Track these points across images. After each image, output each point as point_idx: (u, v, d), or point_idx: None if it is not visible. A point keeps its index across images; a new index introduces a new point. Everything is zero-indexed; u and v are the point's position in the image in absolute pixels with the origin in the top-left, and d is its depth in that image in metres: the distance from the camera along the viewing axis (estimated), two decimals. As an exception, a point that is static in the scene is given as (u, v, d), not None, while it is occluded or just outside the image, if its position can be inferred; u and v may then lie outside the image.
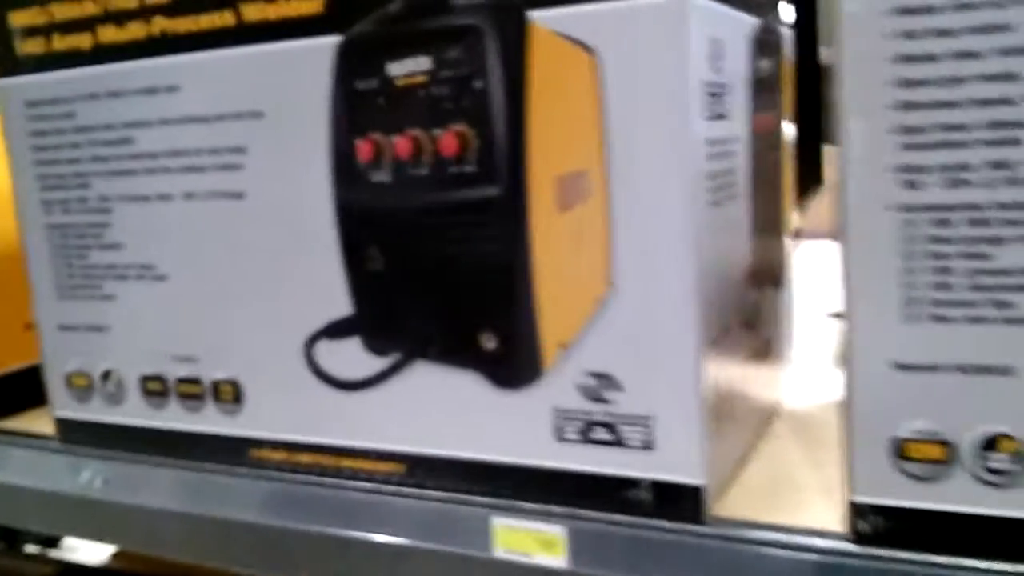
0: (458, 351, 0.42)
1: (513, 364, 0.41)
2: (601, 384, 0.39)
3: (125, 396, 0.53)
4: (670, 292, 0.37)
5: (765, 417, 0.50)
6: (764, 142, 0.47)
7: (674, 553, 0.39)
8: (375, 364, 0.45)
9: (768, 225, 0.48)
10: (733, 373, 0.43)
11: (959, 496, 0.35)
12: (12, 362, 0.63)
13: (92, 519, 0.55)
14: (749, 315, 0.45)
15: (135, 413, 0.53)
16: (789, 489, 0.43)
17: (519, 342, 0.40)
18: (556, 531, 0.42)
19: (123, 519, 0.53)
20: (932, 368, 0.34)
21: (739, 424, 0.44)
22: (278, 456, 0.49)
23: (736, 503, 0.41)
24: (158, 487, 0.51)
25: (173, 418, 0.51)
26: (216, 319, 0.49)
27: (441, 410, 0.43)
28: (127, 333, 0.52)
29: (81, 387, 0.54)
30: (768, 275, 0.49)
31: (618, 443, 0.40)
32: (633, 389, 0.39)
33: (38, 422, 0.59)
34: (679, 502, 0.39)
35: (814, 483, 0.43)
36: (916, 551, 0.36)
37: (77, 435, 0.55)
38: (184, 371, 0.50)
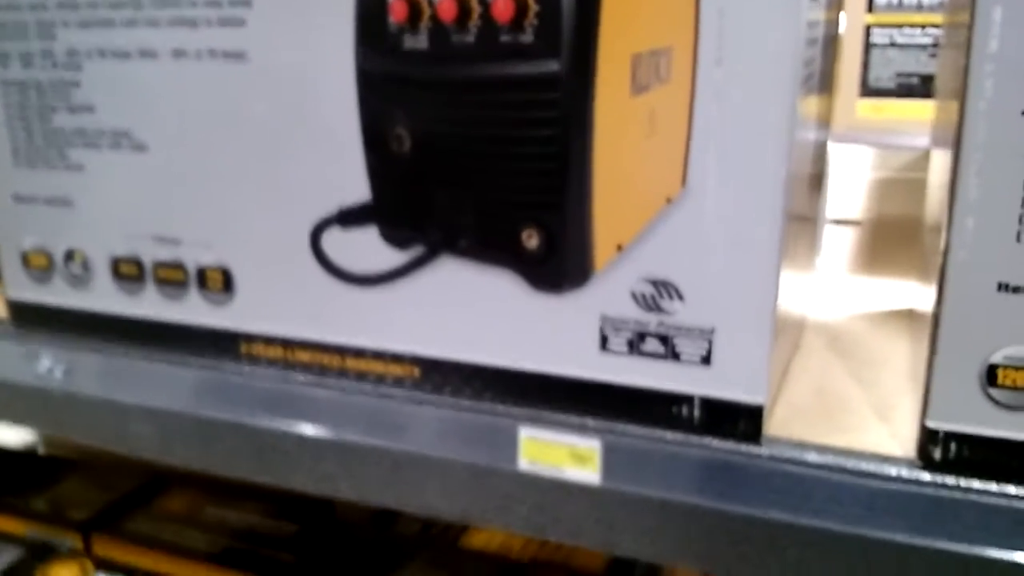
0: (493, 247, 0.38)
1: (559, 264, 0.37)
2: (659, 292, 0.35)
3: (92, 279, 0.47)
4: (756, 196, 0.33)
5: (799, 329, 0.47)
6: (831, 30, 0.42)
7: (726, 474, 0.36)
8: (392, 258, 0.40)
9: (822, 123, 0.44)
10: (789, 283, 0.39)
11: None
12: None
13: (51, 412, 0.49)
14: (806, 215, 0.42)
15: (104, 298, 0.47)
16: (839, 409, 0.40)
17: (568, 239, 0.36)
18: (590, 444, 0.38)
19: (88, 414, 0.48)
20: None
21: (786, 337, 0.41)
22: (273, 352, 0.44)
23: (785, 423, 0.38)
24: (130, 381, 0.46)
25: (150, 306, 0.46)
26: (204, 198, 0.43)
27: (466, 311, 0.39)
28: (96, 208, 0.46)
29: (40, 267, 0.48)
30: (818, 178, 0.45)
31: (671, 356, 0.36)
32: (696, 299, 0.35)
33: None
34: (735, 421, 0.36)
35: (864, 403, 0.41)
36: (992, 481, 0.33)
37: (34, 319, 0.49)
38: (164, 254, 0.45)
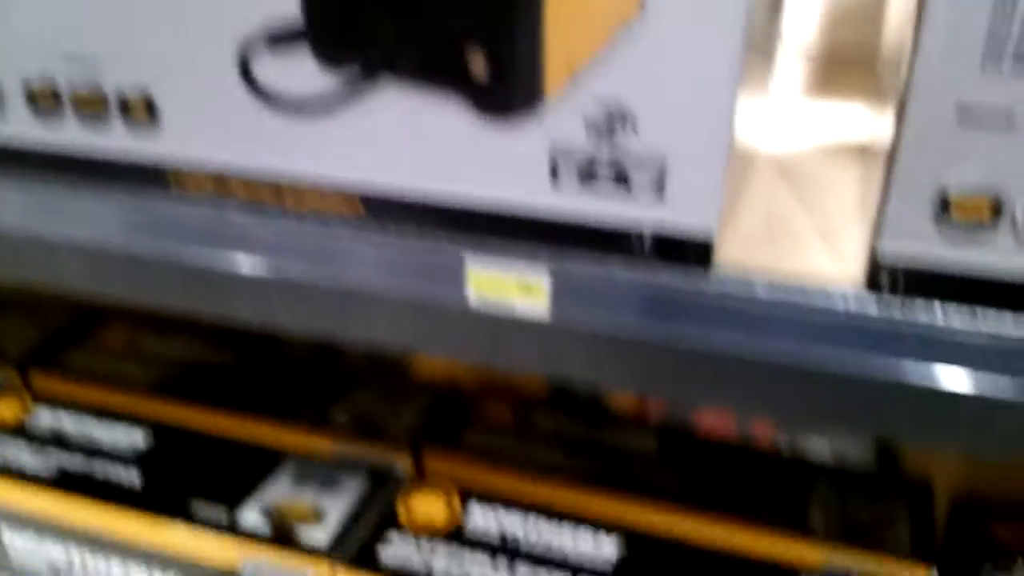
0: (437, 69, 0.35)
1: (507, 87, 0.35)
2: (613, 118, 0.34)
3: (6, 107, 0.44)
4: (716, 18, 0.31)
5: (750, 158, 0.46)
6: None
7: (675, 304, 0.36)
8: (327, 81, 0.37)
9: (783, -63, 0.42)
10: (743, 111, 0.38)
11: (998, 256, 0.33)
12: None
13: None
14: (761, 43, 0.40)
15: (21, 128, 0.44)
16: (787, 237, 0.40)
17: (517, 60, 0.34)
18: (538, 277, 0.38)
19: (14, 250, 0.46)
20: (1004, 119, 0.31)
21: (737, 166, 0.40)
22: (206, 185, 0.42)
23: (734, 252, 0.38)
24: (56, 215, 0.44)
25: (70, 136, 0.43)
26: (119, 14, 0.39)
27: (409, 140, 0.37)
28: (1, 26, 0.42)
29: None
30: (776, 1, 0.43)
31: (623, 186, 0.35)
32: (649, 126, 0.34)
33: None
34: (684, 251, 0.36)
35: (812, 230, 0.40)
36: (935, 305, 0.34)
37: None
38: (80, 75, 0.41)
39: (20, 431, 0.67)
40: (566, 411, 0.67)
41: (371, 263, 0.40)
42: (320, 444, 0.66)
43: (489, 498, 0.59)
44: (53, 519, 0.61)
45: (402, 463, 0.64)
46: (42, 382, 0.73)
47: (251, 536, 0.57)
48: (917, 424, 0.35)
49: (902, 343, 0.34)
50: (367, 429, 0.67)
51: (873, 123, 0.45)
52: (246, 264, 0.41)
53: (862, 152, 0.49)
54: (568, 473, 0.60)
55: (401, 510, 0.59)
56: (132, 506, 0.60)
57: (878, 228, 0.34)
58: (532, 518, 0.57)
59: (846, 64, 0.66)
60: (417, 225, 0.39)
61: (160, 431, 0.67)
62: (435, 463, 0.63)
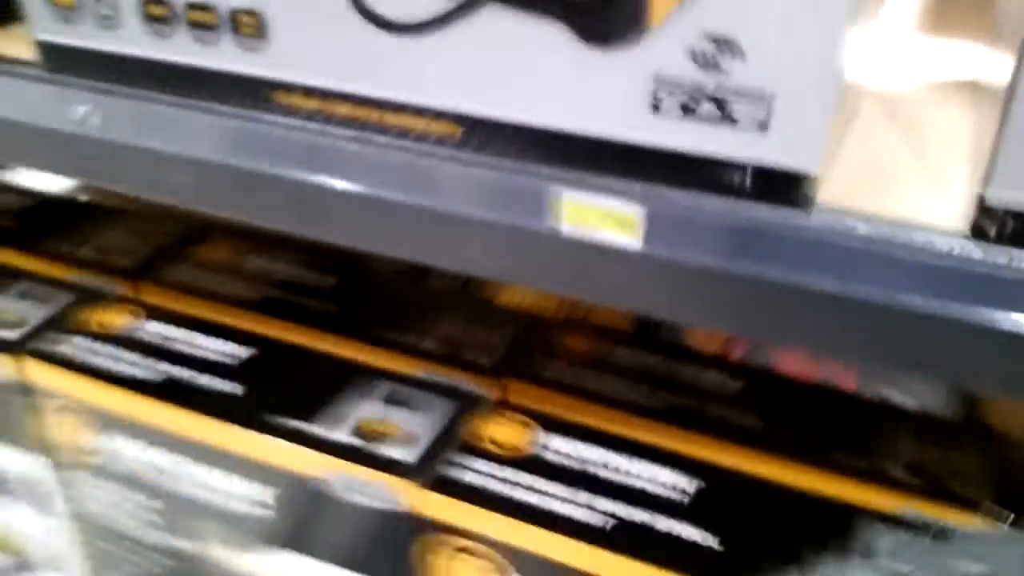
0: (542, -6, 0.35)
1: (611, 14, 0.34)
2: (719, 50, 0.33)
3: (121, 19, 0.45)
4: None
5: (858, 95, 0.45)
6: None
7: (774, 242, 0.36)
8: (432, 4, 0.38)
9: None
10: (853, 45, 0.37)
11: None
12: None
13: (88, 159, 0.49)
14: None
15: (135, 41, 0.45)
16: (892, 179, 0.39)
17: (622, -12, 0.34)
18: (633, 209, 0.38)
19: (129, 162, 0.47)
20: None
21: (845, 104, 0.39)
22: (310, 104, 0.43)
23: (837, 193, 0.37)
24: (165, 129, 0.45)
25: (182, 50, 0.44)
26: None
27: (511, 66, 0.37)
28: None
29: (66, 5, 0.46)
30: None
31: (727, 120, 0.35)
32: (757, 59, 0.33)
33: (12, 43, 0.52)
34: (787, 189, 0.35)
35: (920, 174, 0.39)
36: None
37: (65, 63, 0.48)
38: (193, -7, 0.42)
39: (129, 340, 0.70)
40: (649, 347, 0.67)
41: (467, 188, 0.40)
42: (410, 366, 0.67)
43: (568, 428, 0.60)
44: (156, 425, 0.65)
45: (487, 389, 0.65)
46: (150, 294, 0.76)
47: (341, 449, 0.59)
48: (1013, 377, 0.35)
49: (1006, 292, 0.33)
50: (454, 355, 0.69)
51: (988, 62, 0.43)
52: (345, 184, 0.42)
53: (974, 91, 0.47)
54: (647, 408, 0.61)
55: (483, 435, 0.60)
56: (230, 416, 0.62)
57: (988, 174, 0.33)
58: (609, 450, 0.58)
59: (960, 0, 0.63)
60: (514, 152, 0.39)
61: (260, 345, 0.70)
62: (517, 392, 0.65)
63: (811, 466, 0.56)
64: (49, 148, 0.50)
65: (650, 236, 0.38)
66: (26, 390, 0.70)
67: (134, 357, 0.68)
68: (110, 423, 0.67)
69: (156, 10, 0.44)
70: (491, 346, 0.69)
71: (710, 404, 0.61)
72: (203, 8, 0.42)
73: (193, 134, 0.44)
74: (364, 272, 0.79)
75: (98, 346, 0.70)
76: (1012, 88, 0.31)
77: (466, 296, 0.78)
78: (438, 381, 0.66)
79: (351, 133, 0.42)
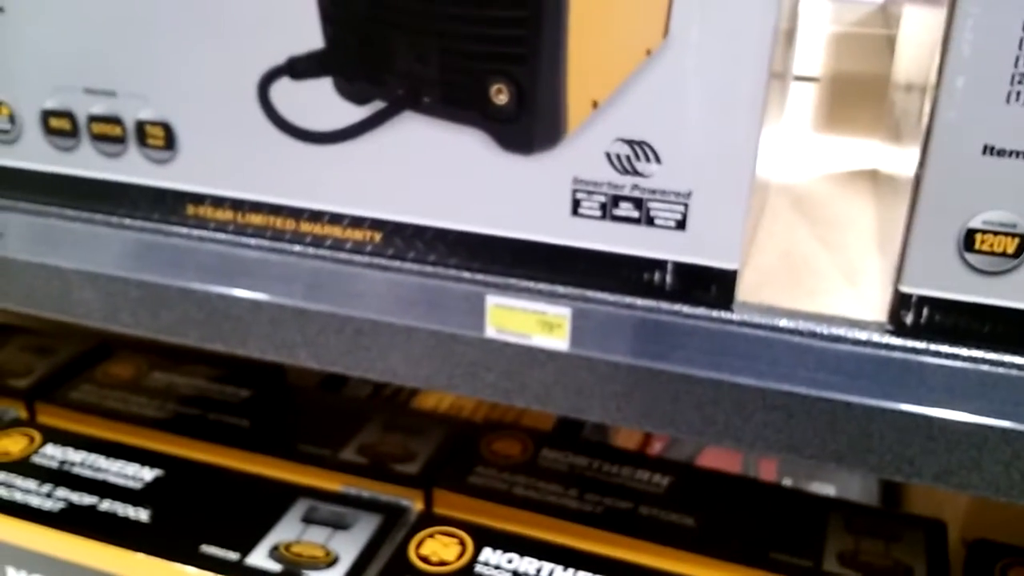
0: (460, 102, 0.35)
1: (529, 123, 0.35)
2: (636, 153, 0.34)
3: (21, 134, 0.44)
4: (741, 48, 0.31)
5: (766, 191, 0.46)
6: None
7: (697, 340, 0.36)
8: (350, 113, 0.37)
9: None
10: (764, 145, 0.38)
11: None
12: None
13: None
14: (779, 79, 0.40)
15: (35, 155, 0.44)
16: (807, 273, 0.40)
17: (539, 94, 0.34)
18: (559, 312, 0.38)
19: (26, 279, 0.45)
20: None
21: (756, 200, 0.40)
22: (223, 215, 0.41)
23: (754, 288, 0.38)
24: (69, 244, 0.43)
25: (87, 164, 0.43)
26: (140, 44, 0.39)
27: (430, 172, 0.37)
28: (20, 56, 0.42)
29: None
30: (790, 32, 0.43)
31: (646, 221, 0.35)
32: (673, 161, 0.34)
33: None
34: (707, 286, 0.35)
35: (832, 267, 0.40)
36: (962, 346, 0.34)
37: None
38: (98, 107, 0.41)
39: (26, 465, 0.66)
40: (574, 448, 0.66)
41: (387, 295, 0.39)
42: (330, 480, 0.65)
43: (500, 539, 0.58)
44: (56, 556, 0.60)
45: (412, 501, 0.63)
46: (49, 416, 0.72)
47: None
48: (941, 465, 0.35)
49: (926, 383, 0.34)
50: (378, 467, 0.66)
51: (883, 155, 0.45)
52: (259, 295, 0.41)
53: (875, 181, 0.49)
54: (577, 512, 0.60)
55: (411, 551, 0.58)
56: (140, 545, 0.58)
57: (901, 266, 0.34)
58: (545, 560, 0.56)
59: (852, 92, 0.66)
60: (436, 256, 0.39)
61: (167, 465, 0.66)
62: (445, 501, 0.63)
63: (745, 565, 0.55)
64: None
65: (577, 337, 0.37)
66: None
67: (29, 484, 0.64)
68: (7, 556, 0.62)
69: (58, 123, 0.42)
70: (414, 455, 0.68)
71: (641, 505, 0.60)
72: (108, 120, 0.41)
73: (98, 249, 0.43)
74: (278, 384, 0.77)
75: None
76: (917, 181, 0.32)
77: (384, 402, 0.76)
78: (362, 496, 0.64)
79: (265, 243, 0.41)
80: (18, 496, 0.63)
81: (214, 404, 0.74)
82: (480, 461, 0.66)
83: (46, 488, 0.64)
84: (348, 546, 0.59)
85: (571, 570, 0.55)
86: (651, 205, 0.34)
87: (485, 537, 0.58)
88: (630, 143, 0.34)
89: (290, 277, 0.40)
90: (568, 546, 0.57)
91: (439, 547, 0.58)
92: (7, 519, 0.61)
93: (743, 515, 0.60)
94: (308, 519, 0.61)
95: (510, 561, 0.56)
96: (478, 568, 0.56)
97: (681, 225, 0.34)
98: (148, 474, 0.66)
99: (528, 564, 0.56)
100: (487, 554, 0.57)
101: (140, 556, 0.58)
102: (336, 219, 0.39)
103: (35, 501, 0.63)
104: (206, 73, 0.39)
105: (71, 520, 0.61)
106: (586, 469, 0.63)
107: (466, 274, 0.38)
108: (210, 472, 0.66)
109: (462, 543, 0.58)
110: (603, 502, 0.60)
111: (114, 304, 0.43)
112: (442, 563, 0.56)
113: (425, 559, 0.57)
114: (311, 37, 0.36)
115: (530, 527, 0.59)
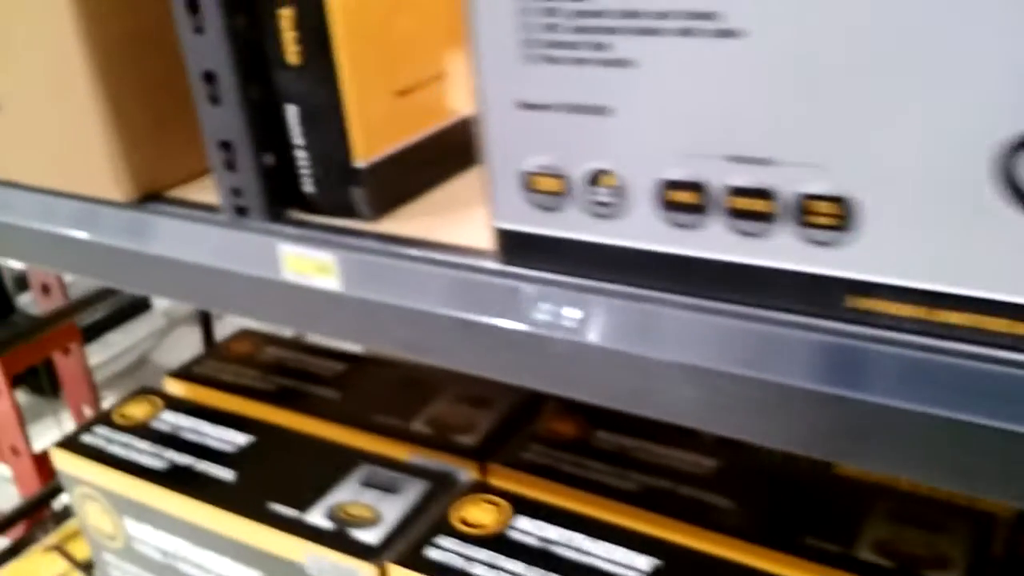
0: None
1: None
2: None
3: (627, 208, 0.35)
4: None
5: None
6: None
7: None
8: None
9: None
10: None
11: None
12: (383, 144, 0.46)
13: (556, 367, 0.39)
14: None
15: (644, 233, 0.36)
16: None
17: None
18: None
19: (606, 370, 0.37)
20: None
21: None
22: (903, 310, 0.33)
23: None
24: (664, 335, 0.36)
25: (711, 245, 0.36)
26: (822, 104, 0.32)
27: None
28: (646, 118, 0.34)
29: (549, 192, 0.36)
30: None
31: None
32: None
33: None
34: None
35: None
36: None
37: (530, 254, 0.39)
38: (743, 178, 0.34)
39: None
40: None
41: None
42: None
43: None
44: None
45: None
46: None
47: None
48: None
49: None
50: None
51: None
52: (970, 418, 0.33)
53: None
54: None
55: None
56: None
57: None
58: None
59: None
60: None
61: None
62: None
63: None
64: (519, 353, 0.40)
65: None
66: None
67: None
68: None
69: (681, 196, 0.35)
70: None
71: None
72: (755, 192, 0.34)
73: (698, 341, 0.36)
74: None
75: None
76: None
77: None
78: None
79: (958, 347, 0.33)
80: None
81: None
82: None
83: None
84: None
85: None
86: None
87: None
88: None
89: (994, 394, 0.32)
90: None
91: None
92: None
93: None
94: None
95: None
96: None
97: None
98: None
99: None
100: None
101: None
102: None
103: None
104: (912, 137, 0.31)
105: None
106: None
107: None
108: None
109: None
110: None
111: (718, 405, 0.36)
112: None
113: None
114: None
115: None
